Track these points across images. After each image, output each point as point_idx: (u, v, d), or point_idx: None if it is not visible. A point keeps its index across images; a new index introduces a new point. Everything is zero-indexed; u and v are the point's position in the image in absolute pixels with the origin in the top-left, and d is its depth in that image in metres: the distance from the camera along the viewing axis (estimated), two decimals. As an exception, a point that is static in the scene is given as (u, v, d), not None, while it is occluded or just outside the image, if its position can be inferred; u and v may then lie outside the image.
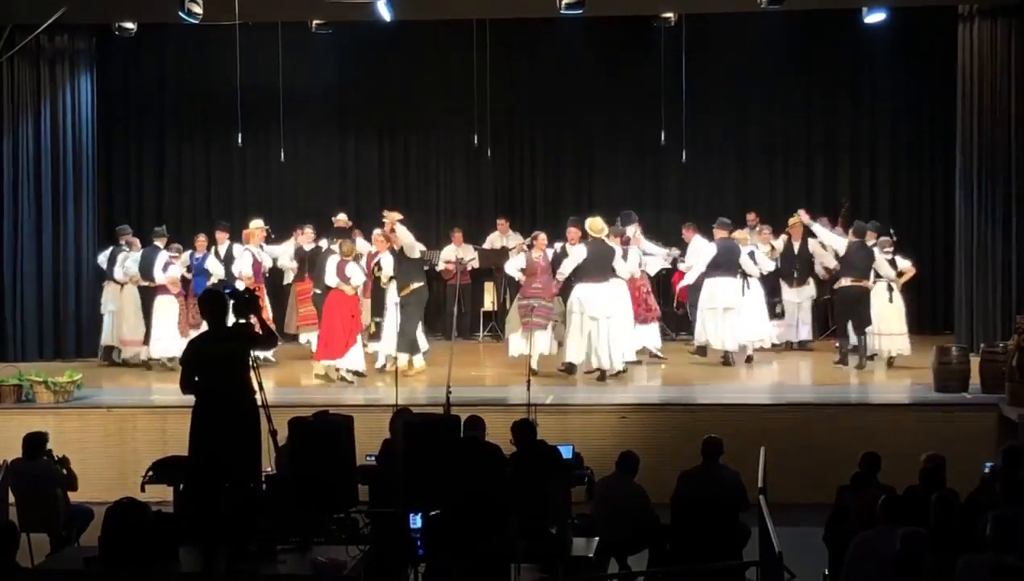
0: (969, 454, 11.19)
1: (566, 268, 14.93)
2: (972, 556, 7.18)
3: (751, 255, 16.30)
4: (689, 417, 13.09)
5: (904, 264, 16.12)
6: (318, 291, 16.14)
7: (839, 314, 16.18)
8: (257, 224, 17.01)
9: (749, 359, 16.20)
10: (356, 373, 15.37)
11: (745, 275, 16.11)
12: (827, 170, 19.69)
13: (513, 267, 15.74)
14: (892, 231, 18.54)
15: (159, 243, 16.78)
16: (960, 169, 16.63)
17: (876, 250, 15.79)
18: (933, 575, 7.09)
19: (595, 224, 15.03)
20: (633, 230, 16.37)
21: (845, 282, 15.76)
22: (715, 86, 18.57)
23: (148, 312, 16.39)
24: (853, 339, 15.72)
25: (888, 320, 15.74)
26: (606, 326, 14.88)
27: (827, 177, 19.68)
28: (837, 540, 8.64)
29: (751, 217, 18.31)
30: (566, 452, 10.20)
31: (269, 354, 15.64)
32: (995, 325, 15.94)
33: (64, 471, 10.76)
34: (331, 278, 15.39)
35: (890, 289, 15.74)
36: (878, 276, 15.76)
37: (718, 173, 19.66)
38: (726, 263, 15.89)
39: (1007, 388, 12.83)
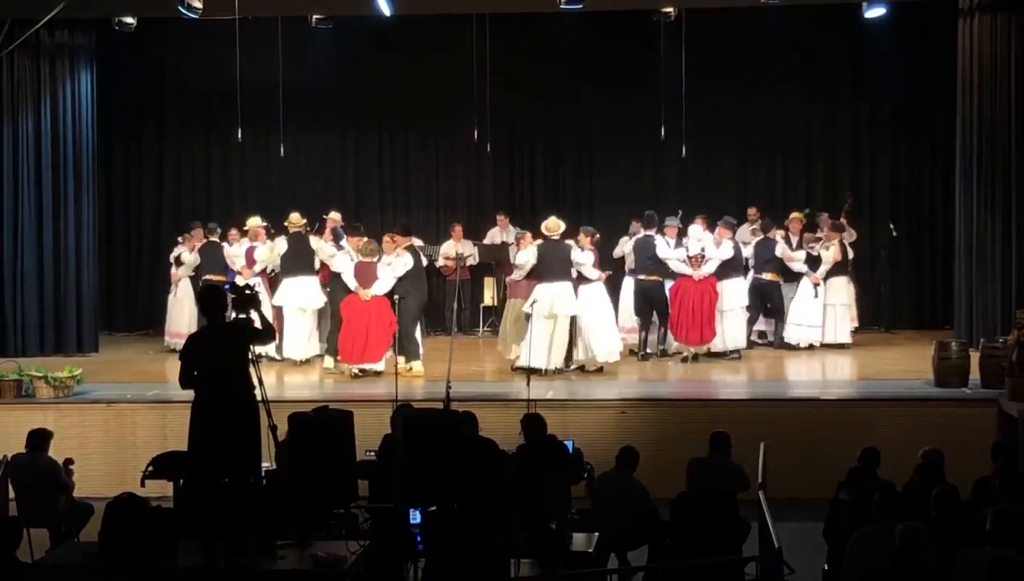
0: (968, 449, 11.19)
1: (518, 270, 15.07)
2: (971, 550, 7.20)
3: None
4: (689, 413, 13.09)
5: (827, 253, 16.86)
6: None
7: (752, 305, 16.96)
8: (255, 221, 17.03)
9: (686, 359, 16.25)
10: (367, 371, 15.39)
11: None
12: (827, 165, 19.71)
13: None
14: (892, 225, 18.62)
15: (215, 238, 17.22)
16: (960, 164, 16.61)
17: (779, 245, 16.96)
18: (932, 570, 7.09)
19: (551, 224, 15.13)
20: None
21: (750, 275, 17.01)
22: (715, 81, 18.55)
23: None
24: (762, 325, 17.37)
25: (802, 311, 16.87)
26: (564, 324, 14.93)
27: (827, 172, 19.70)
28: (837, 535, 8.65)
29: (751, 212, 18.31)
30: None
31: (270, 350, 15.54)
32: (995, 320, 15.93)
33: (64, 472, 10.77)
34: (350, 280, 15.29)
35: (815, 284, 16.84)
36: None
37: (718, 168, 19.65)
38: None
39: (1007, 383, 12.81)
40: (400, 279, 15.24)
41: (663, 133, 17.53)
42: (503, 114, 18.85)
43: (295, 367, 16.12)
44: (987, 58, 16.20)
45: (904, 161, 19.47)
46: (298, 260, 16.17)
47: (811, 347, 16.87)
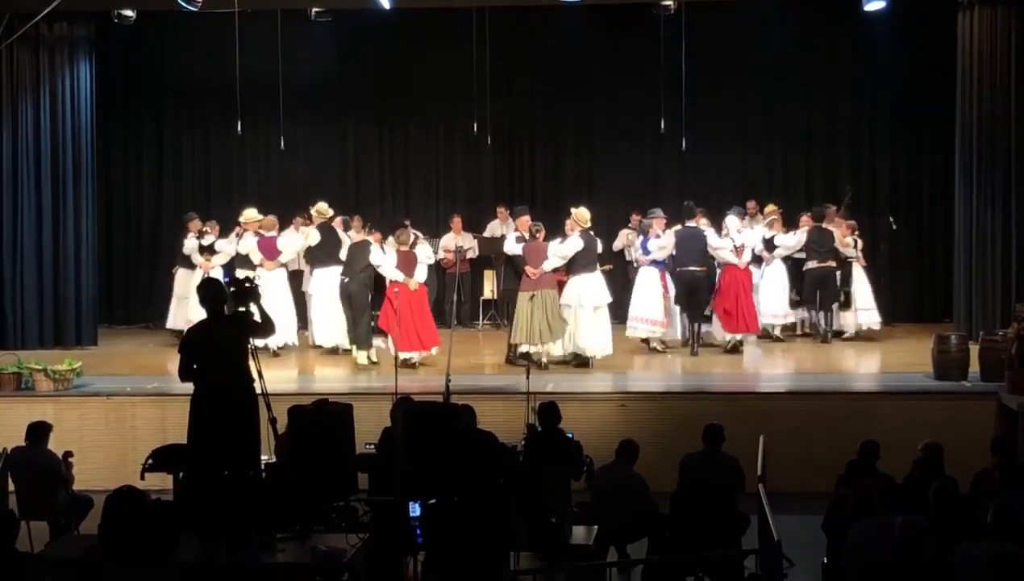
0: (968, 442, 11.19)
1: (557, 259, 15.01)
2: (970, 543, 7.20)
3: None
4: (689, 405, 13.08)
5: (860, 242, 17.28)
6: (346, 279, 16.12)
7: (808, 294, 17.06)
8: (252, 214, 17.02)
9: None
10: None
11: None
12: (827, 158, 19.72)
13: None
14: (892, 218, 18.61)
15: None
16: (960, 157, 16.61)
17: (836, 233, 16.99)
18: (932, 563, 7.09)
19: (581, 215, 15.21)
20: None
21: (812, 264, 16.86)
22: (715, 74, 18.53)
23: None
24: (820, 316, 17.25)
25: (864, 297, 17.12)
26: (593, 316, 15.06)
27: (827, 165, 19.71)
28: (836, 528, 8.65)
29: (751, 205, 18.30)
30: (565, 441, 10.24)
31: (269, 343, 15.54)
32: (994, 313, 15.94)
33: (64, 465, 10.76)
34: (392, 272, 15.28)
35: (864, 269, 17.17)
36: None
37: (718, 161, 19.65)
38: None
39: (1006, 376, 12.83)
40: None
41: (663, 126, 17.50)
42: (503, 107, 18.82)
43: (323, 355, 16.36)
44: (987, 51, 16.19)
45: (904, 154, 19.47)
46: (328, 250, 16.33)
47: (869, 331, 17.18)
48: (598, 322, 15.11)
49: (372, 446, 9.95)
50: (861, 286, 17.14)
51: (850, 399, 13.52)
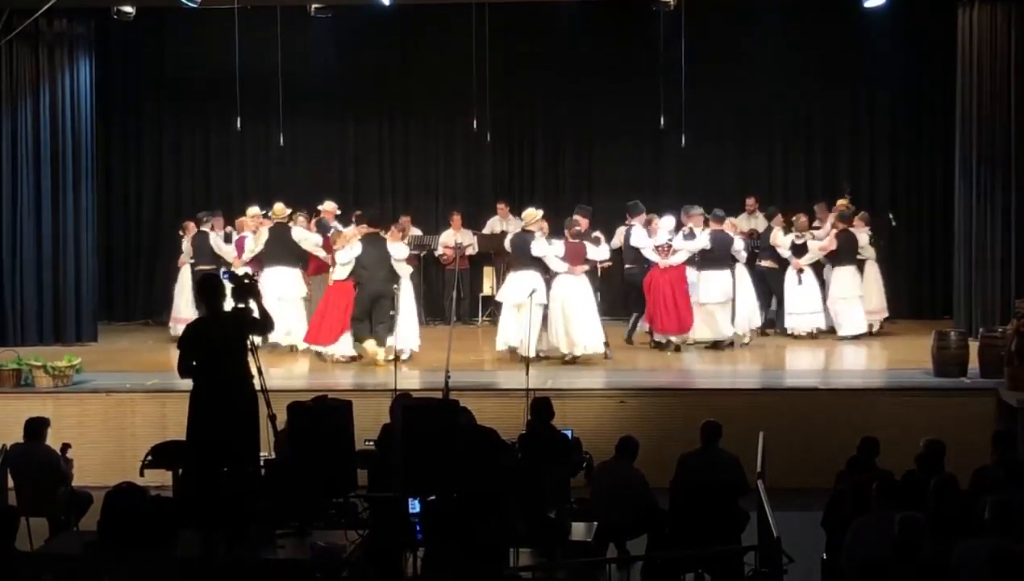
0: (968, 439, 11.19)
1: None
2: (970, 540, 7.20)
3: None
4: (688, 402, 13.08)
5: (815, 244, 16.94)
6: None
7: (759, 293, 17.07)
8: (254, 211, 17.07)
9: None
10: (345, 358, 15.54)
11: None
12: (827, 155, 19.72)
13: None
14: (891, 215, 18.61)
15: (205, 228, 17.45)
16: (959, 154, 16.61)
17: (772, 232, 17.34)
18: (931, 560, 7.10)
19: (526, 214, 15.68)
20: (641, 220, 16.47)
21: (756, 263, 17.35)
22: (714, 70, 18.49)
23: None
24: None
25: (794, 300, 17.09)
26: (516, 313, 15.15)
27: (827, 162, 19.70)
28: (836, 525, 8.65)
29: (750, 202, 18.30)
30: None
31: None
32: (994, 310, 15.95)
33: (63, 461, 10.76)
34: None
35: (799, 270, 16.99)
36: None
37: (717, 158, 19.64)
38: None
39: (1006, 373, 12.83)
40: (358, 266, 15.27)
41: (662, 122, 17.48)
42: (503, 103, 18.80)
43: (275, 355, 16.14)
44: (986, 48, 16.19)
45: (903, 151, 19.47)
46: (279, 251, 16.32)
47: (815, 334, 16.92)
48: (526, 319, 14.86)
49: (371, 442, 9.95)
50: (793, 288, 16.97)
51: (850, 395, 13.52)
